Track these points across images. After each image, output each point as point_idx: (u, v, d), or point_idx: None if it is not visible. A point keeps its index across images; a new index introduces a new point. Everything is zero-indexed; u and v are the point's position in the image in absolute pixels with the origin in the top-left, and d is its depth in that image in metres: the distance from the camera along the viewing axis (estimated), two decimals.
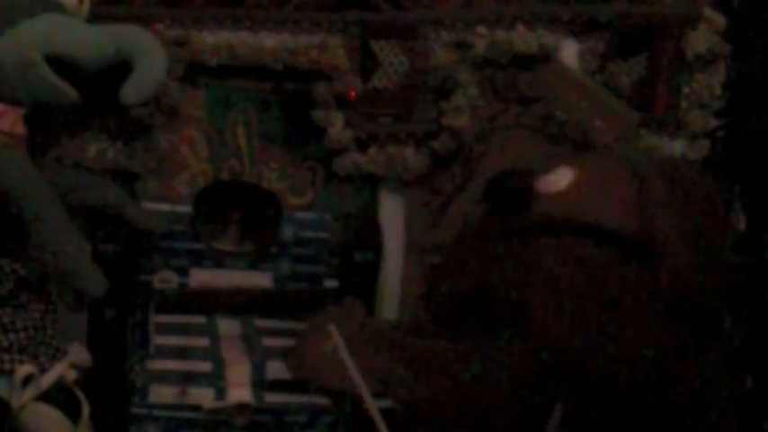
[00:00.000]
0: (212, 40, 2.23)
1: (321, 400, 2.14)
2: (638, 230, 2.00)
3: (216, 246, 2.28)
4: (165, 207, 2.24)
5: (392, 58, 2.27)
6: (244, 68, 2.24)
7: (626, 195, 2.04)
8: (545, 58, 2.25)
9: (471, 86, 2.25)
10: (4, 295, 1.98)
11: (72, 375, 2.01)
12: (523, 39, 2.24)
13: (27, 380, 1.95)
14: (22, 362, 1.96)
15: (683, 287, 1.95)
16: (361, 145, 2.27)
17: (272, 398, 2.14)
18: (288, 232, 2.28)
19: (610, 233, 2.00)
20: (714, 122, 2.29)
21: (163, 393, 2.11)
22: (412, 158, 2.27)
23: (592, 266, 1.96)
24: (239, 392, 2.12)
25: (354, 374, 1.98)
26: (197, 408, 2.11)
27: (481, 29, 2.25)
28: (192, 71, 2.23)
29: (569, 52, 2.28)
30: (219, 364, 2.15)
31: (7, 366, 1.96)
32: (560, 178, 2.08)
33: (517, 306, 1.95)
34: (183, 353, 2.18)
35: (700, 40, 2.25)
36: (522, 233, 2.04)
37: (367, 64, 2.27)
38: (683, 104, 2.28)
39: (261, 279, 2.28)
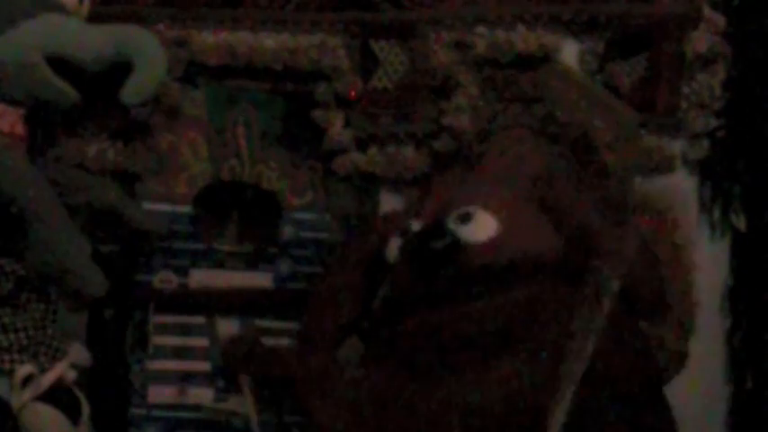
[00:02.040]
0: (212, 40, 2.23)
1: None
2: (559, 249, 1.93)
3: (216, 246, 2.28)
4: (165, 207, 2.24)
5: (392, 58, 2.27)
6: (244, 68, 2.24)
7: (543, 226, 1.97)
8: (545, 58, 2.26)
9: (471, 86, 2.25)
10: (4, 295, 1.97)
11: (72, 375, 2.01)
12: (523, 39, 2.24)
13: (27, 380, 1.95)
14: (22, 362, 1.96)
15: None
16: (361, 145, 2.28)
17: (272, 398, 2.14)
18: (288, 232, 2.28)
19: (538, 263, 1.91)
20: (714, 122, 2.29)
21: (162, 393, 2.12)
22: (412, 158, 2.27)
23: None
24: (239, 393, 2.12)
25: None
26: (197, 408, 2.11)
27: (481, 29, 2.25)
28: (192, 71, 2.24)
29: (569, 52, 2.28)
30: (219, 364, 2.16)
31: (7, 366, 1.96)
32: (484, 227, 1.95)
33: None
34: (182, 353, 2.18)
35: (700, 40, 2.25)
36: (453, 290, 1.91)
37: (367, 64, 2.27)
38: (683, 104, 2.28)
39: (261, 279, 2.28)
